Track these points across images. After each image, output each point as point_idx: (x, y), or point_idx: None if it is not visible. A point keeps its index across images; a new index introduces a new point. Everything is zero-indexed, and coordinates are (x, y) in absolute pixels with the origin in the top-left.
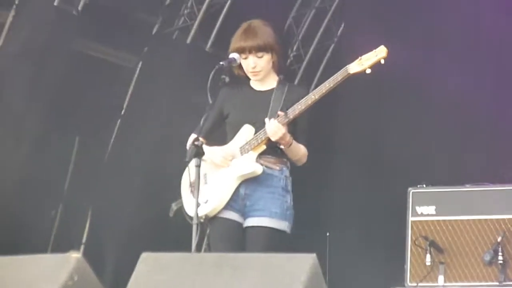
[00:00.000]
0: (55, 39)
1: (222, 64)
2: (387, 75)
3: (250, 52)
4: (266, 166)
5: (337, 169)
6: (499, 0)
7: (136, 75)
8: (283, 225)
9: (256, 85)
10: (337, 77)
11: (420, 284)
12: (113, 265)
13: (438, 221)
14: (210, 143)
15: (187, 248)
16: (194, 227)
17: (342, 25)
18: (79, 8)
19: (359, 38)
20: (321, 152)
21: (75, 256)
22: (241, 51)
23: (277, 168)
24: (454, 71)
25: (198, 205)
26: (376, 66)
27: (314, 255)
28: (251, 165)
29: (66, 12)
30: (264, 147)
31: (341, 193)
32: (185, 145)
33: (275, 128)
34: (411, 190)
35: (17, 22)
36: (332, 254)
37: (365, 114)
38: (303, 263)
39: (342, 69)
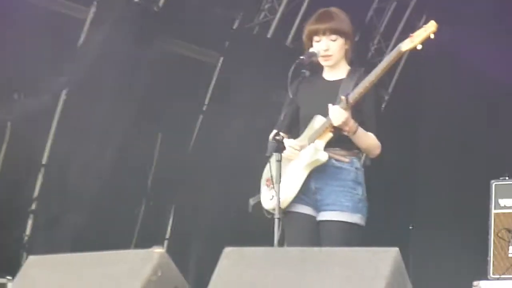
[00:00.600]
0: (135, 36)
1: (302, 59)
2: (471, 69)
3: (324, 33)
4: (335, 159)
5: (420, 162)
6: None
7: (217, 71)
8: (356, 218)
9: (328, 74)
10: (391, 56)
11: (503, 276)
12: (196, 260)
13: None
14: (292, 137)
15: (269, 243)
16: (276, 222)
17: (424, 18)
18: (160, 4)
19: (440, 31)
20: (405, 145)
21: (158, 251)
22: (314, 32)
23: (347, 160)
24: None
25: (278, 200)
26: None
27: (397, 249)
28: (315, 153)
29: (147, 9)
30: (330, 134)
31: (424, 186)
32: (267, 140)
33: (336, 113)
34: (494, 183)
35: (97, 18)
36: (415, 247)
37: (448, 108)
38: (386, 257)
39: (395, 48)
